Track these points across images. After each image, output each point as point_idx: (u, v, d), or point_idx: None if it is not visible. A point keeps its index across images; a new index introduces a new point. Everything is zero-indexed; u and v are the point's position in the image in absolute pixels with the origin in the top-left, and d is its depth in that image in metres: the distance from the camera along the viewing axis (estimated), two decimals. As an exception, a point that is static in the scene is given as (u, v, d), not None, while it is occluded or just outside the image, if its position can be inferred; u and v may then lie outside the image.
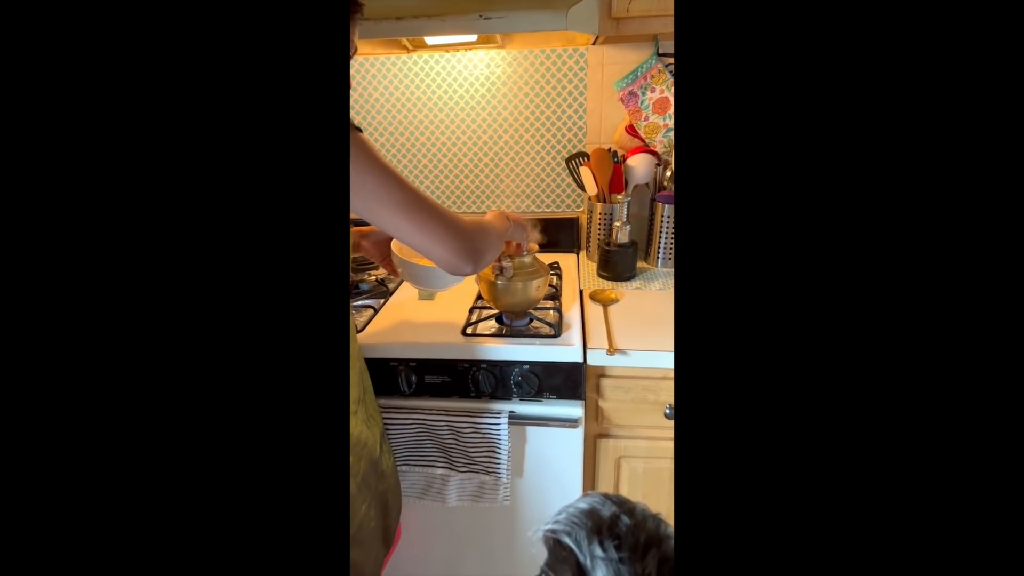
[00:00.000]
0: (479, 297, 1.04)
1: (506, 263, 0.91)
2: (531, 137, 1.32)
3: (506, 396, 0.92)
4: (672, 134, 1.23)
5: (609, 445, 0.97)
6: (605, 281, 1.16)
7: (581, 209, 1.37)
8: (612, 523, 0.34)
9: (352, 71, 1.30)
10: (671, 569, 0.32)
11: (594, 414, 0.96)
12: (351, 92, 1.32)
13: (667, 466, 0.96)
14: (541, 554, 0.36)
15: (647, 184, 1.24)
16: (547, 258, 1.23)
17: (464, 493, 0.97)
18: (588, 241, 1.29)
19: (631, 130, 1.25)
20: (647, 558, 0.32)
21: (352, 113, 1.34)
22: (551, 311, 1.00)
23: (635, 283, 1.15)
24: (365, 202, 0.58)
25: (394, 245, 0.90)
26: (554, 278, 1.15)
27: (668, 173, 1.21)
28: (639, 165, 1.20)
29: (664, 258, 1.22)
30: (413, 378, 0.93)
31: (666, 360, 0.87)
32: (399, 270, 0.90)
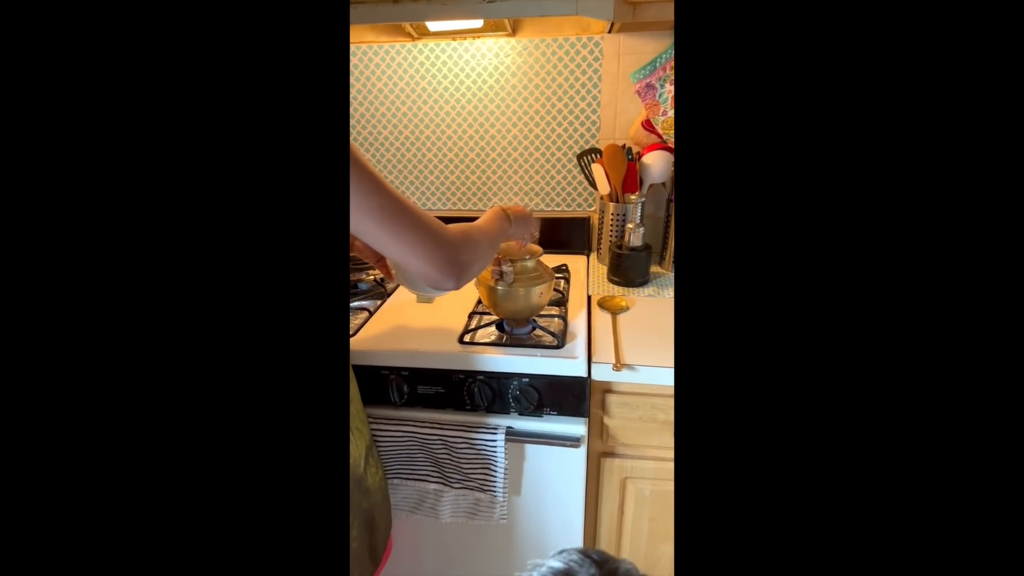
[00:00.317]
0: (480, 302, 0.98)
1: (506, 268, 0.84)
2: (541, 131, 1.25)
3: (503, 411, 0.86)
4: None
5: (614, 464, 0.90)
6: (616, 287, 1.09)
7: (593, 209, 1.30)
8: None
9: (354, 60, 1.24)
10: None
11: (599, 431, 0.89)
12: (352, 83, 1.27)
13: (676, 489, 0.90)
14: None
15: (663, 183, 1.16)
16: (555, 259, 1.16)
17: (459, 510, 0.91)
18: (599, 243, 1.21)
19: (648, 125, 1.17)
20: None
21: (354, 105, 1.29)
22: (556, 319, 0.93)
23: (647, 289, 1.07)
24: None
25: None
26: (561, 282, 1.08)
27: (686, 172, 1.13)
28: (655, 163, 1.12)
29: (680, 263, 1.14)
30: (405, 388, 0.87)
31: (677, 377, 0.80)
32: (393, 272, 0.84)
